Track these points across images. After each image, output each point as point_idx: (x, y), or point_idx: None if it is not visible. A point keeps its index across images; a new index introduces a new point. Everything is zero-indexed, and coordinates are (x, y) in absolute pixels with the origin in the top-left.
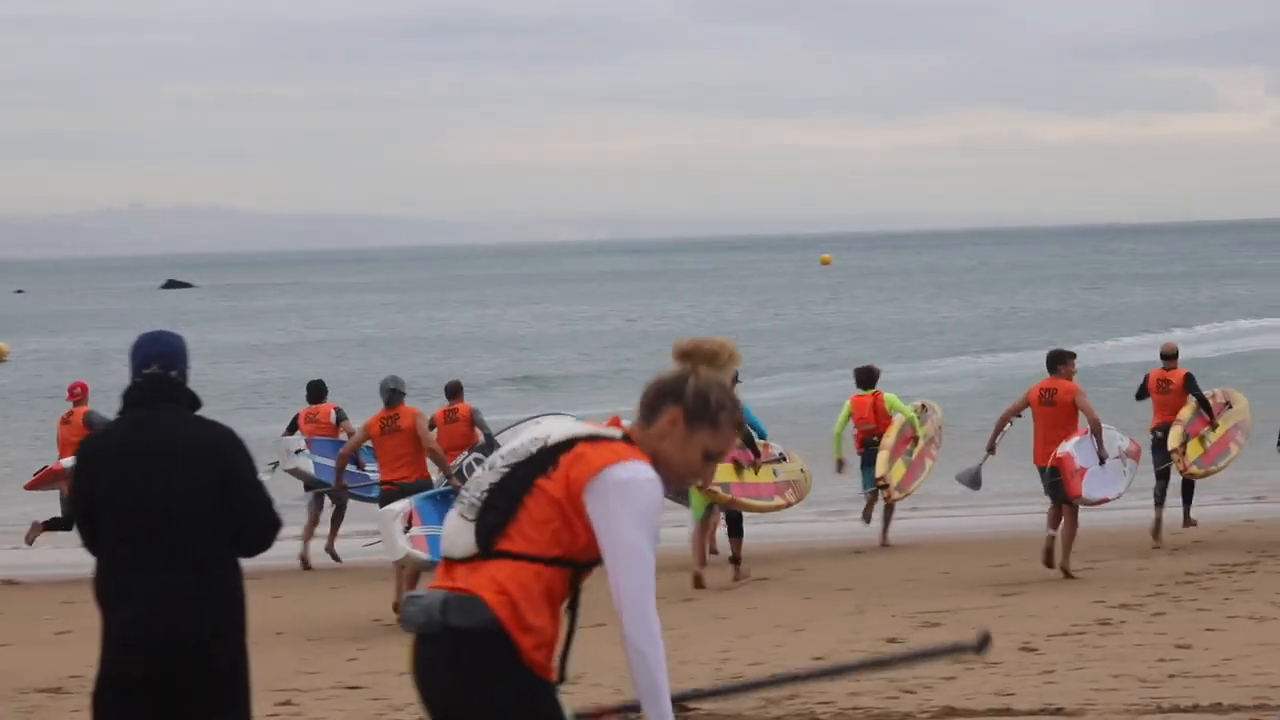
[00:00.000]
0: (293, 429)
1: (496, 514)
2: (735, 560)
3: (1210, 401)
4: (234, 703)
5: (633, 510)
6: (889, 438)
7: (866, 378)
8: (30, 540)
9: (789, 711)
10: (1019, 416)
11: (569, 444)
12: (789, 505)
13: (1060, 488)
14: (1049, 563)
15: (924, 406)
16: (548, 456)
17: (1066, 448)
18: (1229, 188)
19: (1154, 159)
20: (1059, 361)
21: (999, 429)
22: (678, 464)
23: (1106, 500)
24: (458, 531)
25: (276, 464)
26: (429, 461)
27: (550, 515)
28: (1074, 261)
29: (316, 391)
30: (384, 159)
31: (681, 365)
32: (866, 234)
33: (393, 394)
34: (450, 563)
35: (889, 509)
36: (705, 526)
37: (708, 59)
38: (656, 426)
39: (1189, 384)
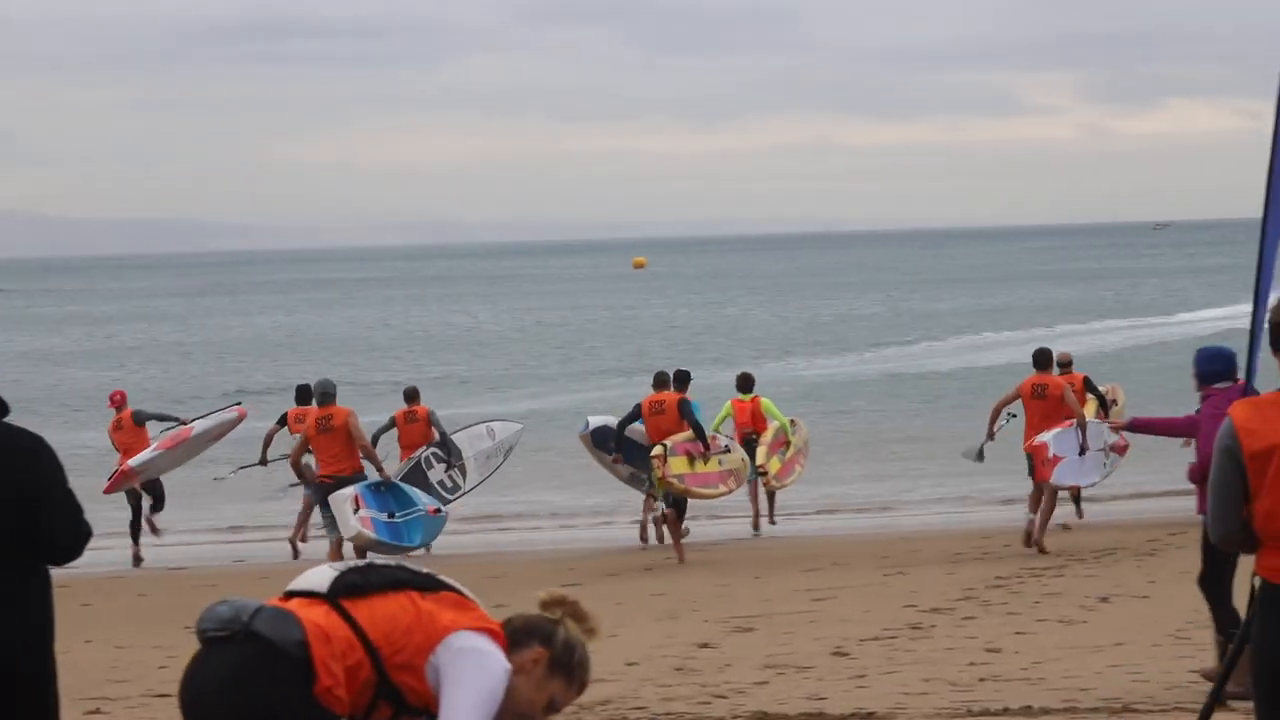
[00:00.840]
0: (281, 424)
1: (361, 579)
2: (667, 520)
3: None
4: (42, 712)
5: (481, 688)
6: (767, 435)
7: (746, 383)
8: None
9: (601, 718)
10: (1013, 416)
11: (462, 593)
12: (730, 492)
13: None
14: (1027, 543)
15: (793, 422)
16: (436, 582)
17: (1044, 437)
18: (1041, 192)
19: (965, 163)
20: (1050, 360)
21: (994, 419)
22: (522, 701)
23: (1078, 487)
24: (317, 573)
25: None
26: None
27: (402, 614)
28: (885, 267)
29: (304, 395)
30: (203, 162)
31: (548, 611)
32: (682, 239)
33: (324, 395)
34: (291, 595)
35: (770, 496)
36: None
37: (530, 62)
38: (516, 659)
39: (1088, 385)
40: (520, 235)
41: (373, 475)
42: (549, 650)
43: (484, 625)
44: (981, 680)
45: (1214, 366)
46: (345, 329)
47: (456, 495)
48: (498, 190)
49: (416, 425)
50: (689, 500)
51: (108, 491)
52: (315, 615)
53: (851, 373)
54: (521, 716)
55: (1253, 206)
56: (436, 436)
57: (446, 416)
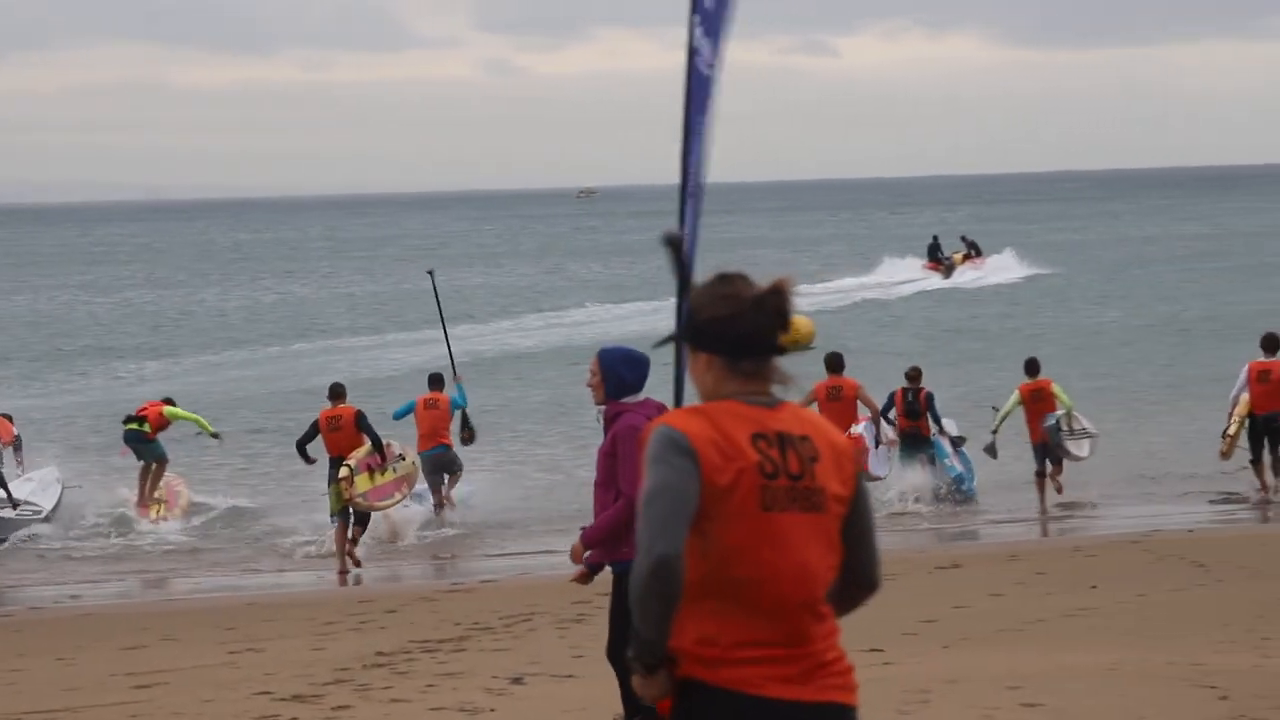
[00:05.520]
0: None
1: None
2: (353, 541)
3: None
4: None
5: None
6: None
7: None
8: None
9: None
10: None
11: None
12: (405, 497)
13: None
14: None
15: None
16: None
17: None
18: (435, 147)
19: (334, 111)
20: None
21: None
22: None
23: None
24: None
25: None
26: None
27: None
28: (217, 244)
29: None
30: None
31: None
32: None
33: None
34: None
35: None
36: (345, 522)
37: None
38: None
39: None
40: None
41: None
42: None
43: None
44: None
45: (635, 374)
46: None
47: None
48: None
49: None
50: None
51: None
52: None
53: (209, 380)
54: None
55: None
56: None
57: None
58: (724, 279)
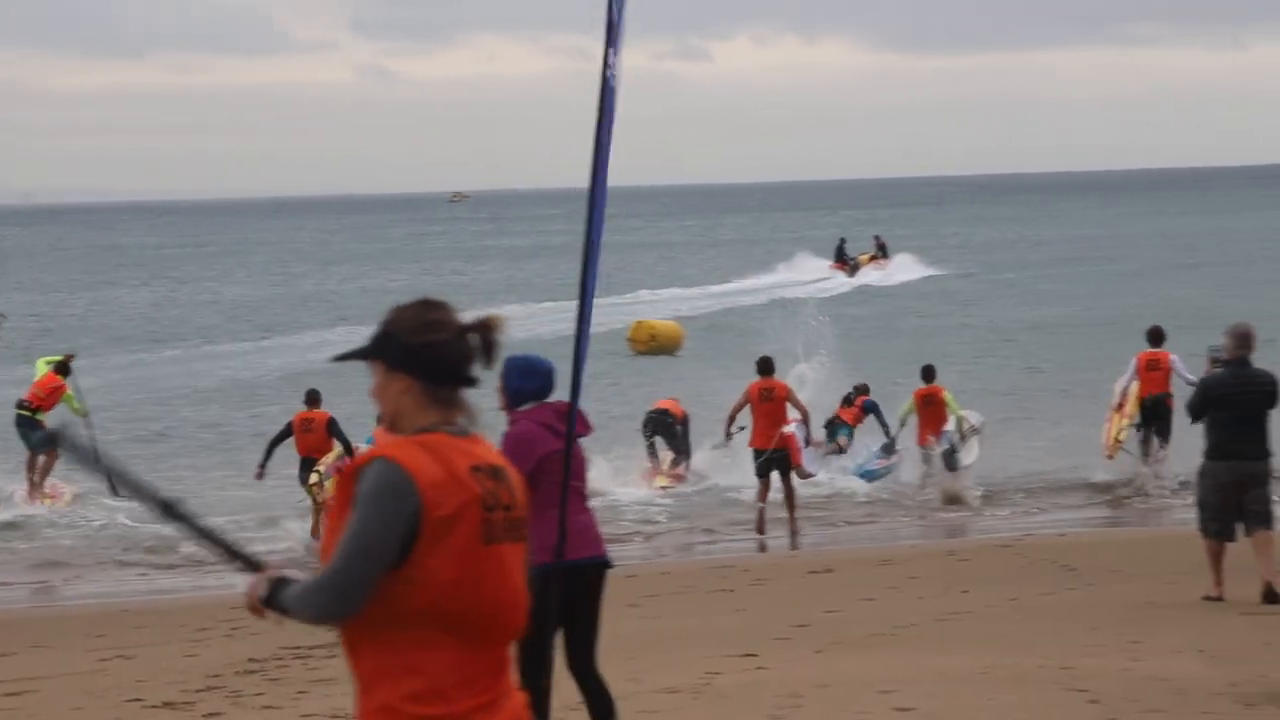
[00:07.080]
0: None
1: None
2: None
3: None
4: None
5: None
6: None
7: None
8: None
9: None
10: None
11: None
12: None
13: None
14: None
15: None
16: None
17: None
18: (313, 152)
19: (203, 114)
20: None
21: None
22: None
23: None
24: None
25: None
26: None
27: None
28: (111, 248)
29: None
30: None
31: None
32: None
33: None
34: None
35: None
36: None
37: None
38: None
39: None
40: None
41: None
42: None
43: None
44: None
45: (532, 383)
46: None
47: None
48: None
49: None
50: None
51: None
52: None
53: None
54: None
55: (577, 176)
56: None
57: None
58: (431, 304)
